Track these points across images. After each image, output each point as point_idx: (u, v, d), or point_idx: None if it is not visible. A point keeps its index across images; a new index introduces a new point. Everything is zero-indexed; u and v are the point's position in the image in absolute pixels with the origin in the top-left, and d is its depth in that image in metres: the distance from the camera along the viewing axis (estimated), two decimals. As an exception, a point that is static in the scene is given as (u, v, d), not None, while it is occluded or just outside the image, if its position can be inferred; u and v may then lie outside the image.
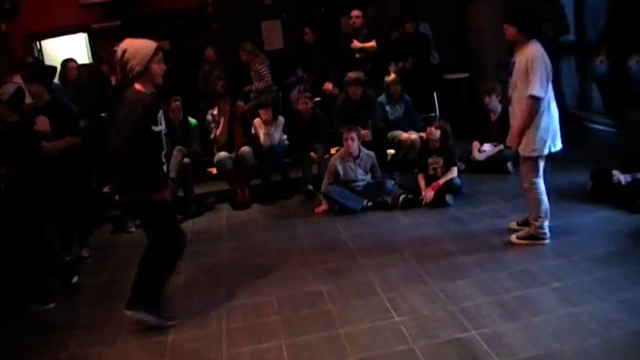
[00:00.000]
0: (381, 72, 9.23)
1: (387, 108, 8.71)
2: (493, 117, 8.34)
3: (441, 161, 7.36)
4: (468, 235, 6.25)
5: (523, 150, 5.51)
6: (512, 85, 5.58)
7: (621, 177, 6.20)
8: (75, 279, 6.20)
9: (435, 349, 4.22)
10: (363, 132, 7.88)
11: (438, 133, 7.29)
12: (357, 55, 9.48)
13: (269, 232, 7.13)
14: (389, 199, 7.38)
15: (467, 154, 8.34)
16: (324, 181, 7.61)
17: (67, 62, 9.00)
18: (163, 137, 4.89)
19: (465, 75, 10.85)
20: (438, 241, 6.18)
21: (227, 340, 4.76)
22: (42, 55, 11.84)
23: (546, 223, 5.65)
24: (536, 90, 5.24)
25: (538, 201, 5.59)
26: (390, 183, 7.64)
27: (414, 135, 8.39)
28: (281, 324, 4.85)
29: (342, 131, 7.62)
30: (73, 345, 5.02)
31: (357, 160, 7.57)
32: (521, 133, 5.43)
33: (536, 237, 5.68)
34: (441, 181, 7.20)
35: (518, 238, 5.78)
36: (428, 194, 7.16)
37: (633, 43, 7.77)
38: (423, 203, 7.17)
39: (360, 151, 7.58)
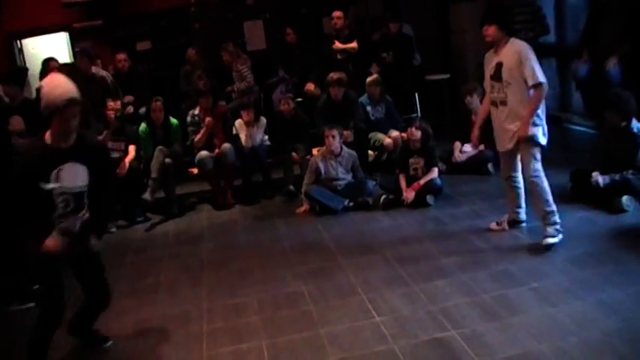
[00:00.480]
0: (362, 73, 9.25)
1: (369, 109, 8.72)
2: (474, 118, 8.36)
3: (421, 162, 7.38)
4: (448, 235, 6.28)
5: (525, 130, 5.42)
6: (499, 87, 5.60)
7: (600, 179, 6.24)
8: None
9: (415, 349, 4.24)
10: (345, 132, 7.89)
11: (418, 133, 7.32)
12: (339, 56, 9.51)
13: (250, 233, 7.14)
14: (370, 200, 7.41)
15: (448, 155, 8.37)
16: (305, 181, 7.63)
17: (48, 61, 8.95)
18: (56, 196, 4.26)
19: (447, 76, 10.90)
20: (418, 241, 6.20)
21: (208, 340, 4.75)
22: (23, 54, 11.77)
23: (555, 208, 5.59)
24: (540, 77, 5.30)
25: (544, 190, 5.53)
26: (371, 183, 7.67)
27: (394, 133, 8.41)
28: (262, 324, 4.85)
29: (324, 129, 7.64)
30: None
31: (339, 159, 7.59)
32: (530, 120, 5.41)
33: (557, 230, 5.56)
34: (422, 182, 7.22)
35: (551, 237, 5.54)
36: (409, 195, 7.18)
37: (612, 45, 7.84)
38: (404, 204, 7.19)
39: (341, 149, 7.60)
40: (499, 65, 5.54)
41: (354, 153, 7.72)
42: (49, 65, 8.82)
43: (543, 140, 5.50)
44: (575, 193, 6.64)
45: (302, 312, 5.00)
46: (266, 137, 8.63)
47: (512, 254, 5.57)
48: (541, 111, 5.48)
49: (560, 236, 5.52)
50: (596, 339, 4.08)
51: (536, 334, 4.21)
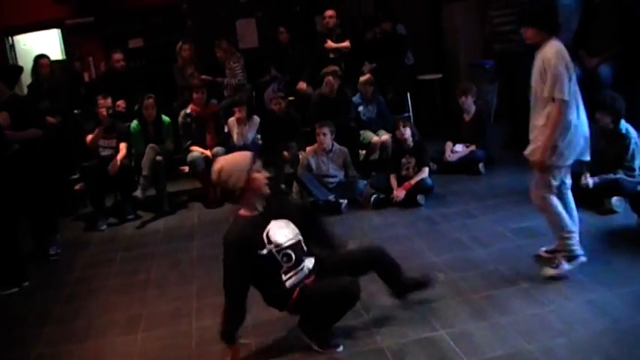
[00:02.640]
0: (355, 72, 9.26)
1: (361, 108, 8.74)
2: (467, 117, 8.38)
3: (413, 161, 7.39)
4: (439, 234, 6.29)
5: (538, 155, 4.83)
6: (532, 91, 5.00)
7: (589, 180, 6.26)
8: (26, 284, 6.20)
9: (404, 348, 4.24)
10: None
11: (407, 131, 7.34)
12: (331, 55, 9.51)
13: (241, 231, 7.12)
14: (360, 199, 7.42)
15: (439, 155, 8.38)
16: (299, 171, 7.67)
17: (39, 59, 8.89)
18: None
19: (439, 76, 10.91)
20: (408, 240, 6.21)
21: (197, 338, 4.75)
22: (14, 50, 11.73)
23: (576, 238, 4.99)
24: (559, 92, 4.62)
25: (557, 217, 4.96)
26: (362, 183, 7.66)
27: (384, 136, 8.42)
28: (251, 323, 4.83)
29: (316, 126, 7.64)
30: (42, 342, 4.98)
31: (330, 155, 7.60)
32: (550, 146, 4.74)
33: (571, 257, 4.98)
34: (413, 181, 7.23)
35: (554, 269, 5.01)
36: (399, 193, 7.19)
37: (603, 46, 7.86)
38: (393, 202, 7.21)
39: (332, 145, 7.61)
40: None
41: (345, 150, 7.72)
42: (40, 62, 8.78)
43: (559, 162, 4.83)
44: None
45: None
46: (258, 136, 8.62)
47: (502, 254, 5.58)
48: (573, 133, 4.77)
49: (566, 267, 4.97)
50: (584, 339, 4.09)
51: (525, 334, 4.22)
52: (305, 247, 4.47)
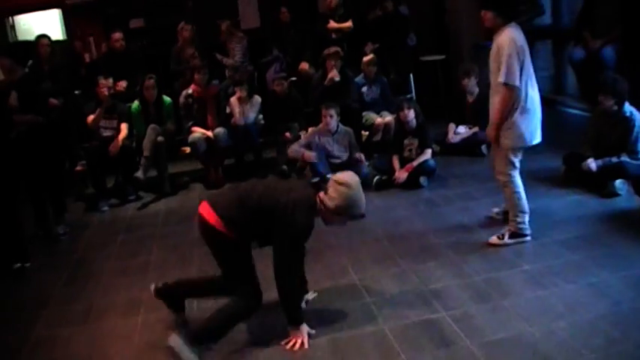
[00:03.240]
0: (357, 52, 9.20)
1: (364, 89, 8.69)
2: (470, 99, 8.33)
3: (416, 143, 7.37)
4: (441, 216, 6.28)
5: (490, 131, 5.26)
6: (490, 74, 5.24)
7: (593, 164, 6.24)
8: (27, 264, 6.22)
9: (405, 330, 4.24)
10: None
11: (411, 113, 7.30)
12: (334, 36, 9.46)
13: (242, 213, 7.10)
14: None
15: (442, 136, 8.34)
16: (291, 147, 7.70)
17: (39, 39, 8.82)
18: None
19: (442, 57, 10.86)
20: (410, 222, 6.20)
21: (198, 320, 4.72)
22: (15, 30, 11.68)
23: (526, 218, 5.39)
24: (505, 77, 4.92)
25: (516, 196, 5.33)
26: (364, 166, 7.62)
27: (388, 117, 8.38)
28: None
29: (322, 107, 7.60)
30: (42, 325, 4.98)
31: (335, 136, 7.57)
32: (498, 127, 5.13)
33: (517, 234, 5.38)
34: (415, 163, 7.21)
35: (499, 238, 5.42)
36: (401, 175, 7.18)
37: (607, 28, 7.81)
38: (395, 183, 7.18)
39: (337, 127, 7.58)
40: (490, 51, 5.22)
41: (350, 130, 7.69)
42: (40, 42, 8.72)
43: (523, 144, 5.20)
44: (568, 176, 6.65)
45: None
46: (260, 116, 8.58)
47: (504, 236, 5.56)
48: (526, 117, 5.09)
49: (509, 241, 5.39)
50: (586, 322, 4.09)
51: (527, 317, 4.22)
52: None
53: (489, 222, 5.92)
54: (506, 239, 5.39)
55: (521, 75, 4.97)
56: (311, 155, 7.41)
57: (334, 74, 8.28)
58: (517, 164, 5.30)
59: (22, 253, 6.19)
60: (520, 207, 5.35)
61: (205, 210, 4.31)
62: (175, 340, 4.04)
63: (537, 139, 5.25)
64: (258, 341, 4.38)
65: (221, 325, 4.24)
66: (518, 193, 5.32)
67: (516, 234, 5.39)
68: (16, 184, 6.29)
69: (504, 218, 5.71)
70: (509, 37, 4.97)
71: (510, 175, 5.29)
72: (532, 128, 5.16)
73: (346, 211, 4.15)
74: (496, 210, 5.97)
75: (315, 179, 7.27)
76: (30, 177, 6.69)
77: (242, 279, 4.29)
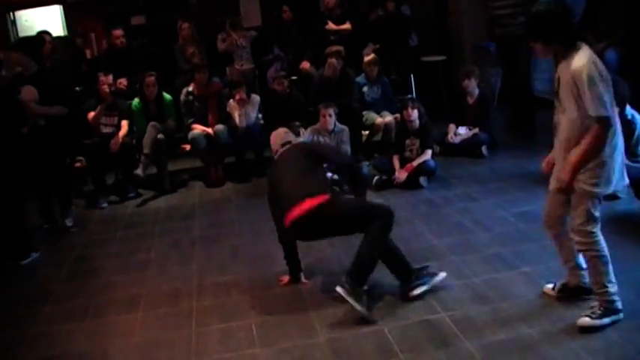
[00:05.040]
0: (357, 53, 9.20)
1: (365, 89, 8.69)
2: (470, 100, 8.33)
3: (417, 143, 7.37)
4: (441, 217, 6.27)
5: (566, 175, 3.95)
6: (557, 106, 4.13)
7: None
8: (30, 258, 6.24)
9: (405, 331, 4.24)
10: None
11: (415, 113, 7.29)
12: (332, 37, 9.43)
13: (242, 211, 7.11)
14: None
15: (442, 137, 8.34)
16: None
17: (41, 34, 8.79)
18: None
19: (443, 58, 10.85)
20: (410, 223, 6.19)
21: (197, 317, 4.74)
22: (16, 26, 11.65)
23: (616, 289, 4.07)
24: (599, 109, 3.74)
25: (602, 260, 4.03)
26: (364, 166, 7.61)
27: (388, 117, 8.37)
28: (251, 303, 4.84)
29: (320, 107, 7.59)
30: (41, 321, 4.98)
31: (333, 135, 7.57)
32: (581, 166, 3.90)
33: (610, 310, 4.04)
34: (415, 163, 7.21)
35: (591, 318, 4.02)
36: (400, 175, 7.17)
37: (610, 31, 7.80)
38: (395, 183, 7.18)
39: (335, 125, 7.58)
40: (558, 80, 4.06)
41: (346, 128, 7.69)
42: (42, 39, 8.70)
43: (606, 190, 4.00)
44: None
45: (292, 291, 5.00)
46: (260, 116, 8.58)
47: (504, 238, 5.57)
48: (616, 152, 3.99)
49: (606, 320, 4.03)
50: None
51: (527, 319, 4.21)
52: None
53: (491, 224, 5.91)
54: (603, 320, 4.03)
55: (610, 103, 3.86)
56: None
57: (334, 63, 8.27)
58: (598, 218, 4.03)
59: (22, 248, 6.20)
60: (609, 275, 4.05)
61: (308, 203, 4.60)
62: (339, 289, 4.45)
63: (625, 179, 4.15)
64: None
65: (372, 251, 4.57)
66: (604, 257, 4.03)
67: (609, 310, 4.05)
68: (21, 177, 6.32)
69: (562, 296, 4.45)
70: (586, 61, 3.82)
71: (594, 234, 4.01)
72: (620, 166, 4.06)
73: None
74: (550, 286, 4.54)
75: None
76: (35, 171, 6.75)
77: (366, 213, 4.77)
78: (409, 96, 8.96)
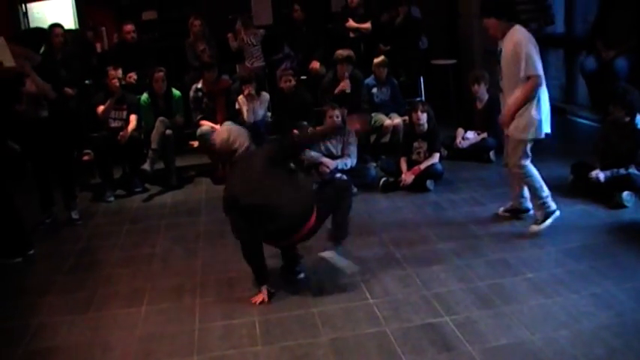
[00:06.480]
0: (372, 54, 9.20)
1: (374, 90, 8.67)
2: (479, 105, 8.32)
3: (425, 146, 7.35)
4: (446, 221, 6.27)
5: (514, 131, 5.51)
6: (501, 74, 5.60)
7: (601, 175, 6.23)
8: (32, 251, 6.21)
9: (407, 333, 4.24)
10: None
11: (424, 117, 7.26)
12: (352, 35, 9.45)
13: (248, 208, 7.10)
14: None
15: (450, 141, 8.33)
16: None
17: (53, 28, 8.80)
18: None
19: (453, 61, 10.84)
20: (415, 225, 6.19)
21: (200, 313, 4.74)
22: (27, 18, 11.68)
23: (548, 196, 5.64)
24: (533, 68, 5.24)
25: (531, 180, 5.61)
26: (372, 167, 7.59)
27: (397, 120, 8.36)
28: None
29: (326, 108, 7.58)
30: (44, 312, 4.99)
31: (340, 137, 7.54)
32: (514, 113, 5.40)
33: (547, 214, 5.62)
34: (422, 166, 7.20)
35: (537, 224, 5.69)
36: (407, 177, 7.16)
37: (621, 39, 7.79)
38: (401, 185, 7.18)
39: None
40: (500, 52, 5.50)
41: (353, 131, 7.67)
42: (54, 32, 8.71)
43: (533, 135, 5.47)
44: (576, 185, 6.63)
45: (296, 290, 4.99)
46: (268, 113, 8.58)
47: (509, 243, 5.57)
48: (535, 104, 5.38)
49: (548, 221, 5.63)
50: (588, 332, 4.08)
51: (529, 324, 4.21)
52: None
53: (496, 229, 5.92)
54: (545, 222, 5.62)
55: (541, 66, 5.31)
56: (329, 164, 7.37)
57: (345, 85, 8.23)
58: (529, 153, 5.56)
59: (24, 242, 6.15)
60: (538, 190, 5.60)
61: (305, 229, 4.86)
62: (327, 254, 5.08)
63: (548, 129, 5.51)
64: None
65: (346, 217, 5.13)
66: (533, 178, 5.59)
67: (547, 214, 5.62)
68: (13, 169, 6.32)
69: (512, 216, 6.10)
70: (521, 35, 5.32)
71: (525, 166, 5.57)
72: (545, 116, 5.44)
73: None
74: (502, 209, 6.22)
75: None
76: (38, 161, 6.75)
77: (336, 203, 5.08)
78: (419, 99, 8.94)
